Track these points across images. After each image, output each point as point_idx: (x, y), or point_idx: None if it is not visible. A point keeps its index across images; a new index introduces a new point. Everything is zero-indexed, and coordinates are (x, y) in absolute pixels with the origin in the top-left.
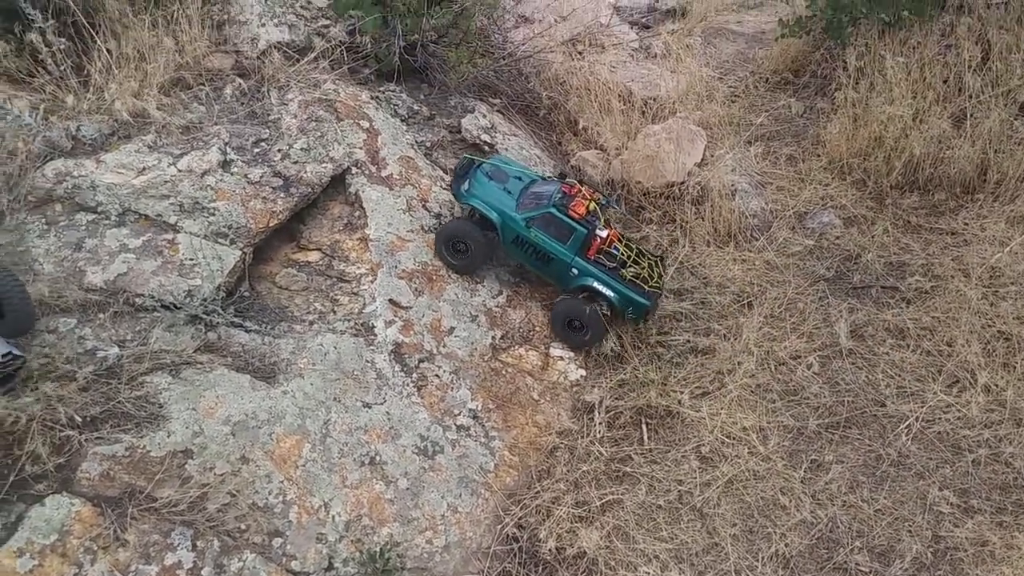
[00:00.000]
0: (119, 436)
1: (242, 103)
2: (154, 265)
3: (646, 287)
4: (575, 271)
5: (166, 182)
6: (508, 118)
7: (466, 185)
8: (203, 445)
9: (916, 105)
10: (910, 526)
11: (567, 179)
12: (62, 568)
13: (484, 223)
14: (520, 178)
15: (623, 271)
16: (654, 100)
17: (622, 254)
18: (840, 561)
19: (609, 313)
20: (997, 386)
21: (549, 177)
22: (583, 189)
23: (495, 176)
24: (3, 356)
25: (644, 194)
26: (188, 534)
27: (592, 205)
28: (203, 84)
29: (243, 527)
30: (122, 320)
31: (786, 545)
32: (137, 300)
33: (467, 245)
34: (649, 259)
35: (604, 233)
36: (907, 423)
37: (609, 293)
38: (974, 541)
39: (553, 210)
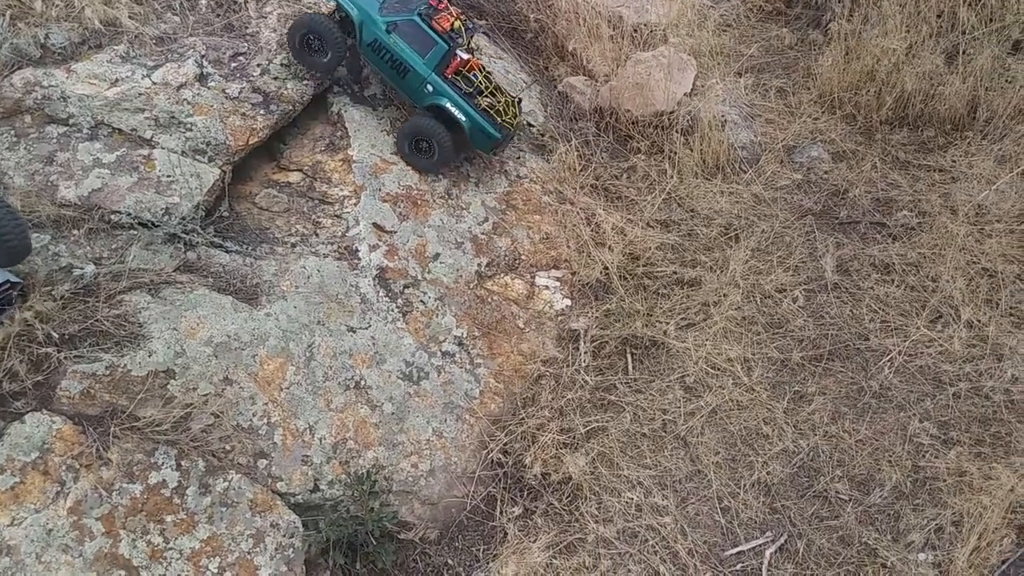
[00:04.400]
0: (98, 355)
1: (218, 14)
2: (130, 181)
3: (499, 120)
4: (430, 87)
5: (140, 95)
6: (494, 40)
7: None
8: (185, 365)
9: (910, 39)
10: (890, 456)
11: None
12: (44, 485)
13: (344, 23)
14: None
15: (478, 99)
16: (644, 26)
17: (480, 83)
18: (821, 489)
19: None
20: (980, 321)
21: None
22: (450, 7)
23: None
24: (1, 284)
25: (633, 123)
26: (172, 453)
27: (457, 23)
28: None
29: (228, 448)
30: (97, 237)
31: (768, 473)
32: (113, 217)
33: (323, 42)
34: (506, 97)
35: (465, 56)
36: (890, 356)
37: (461, 117)
38: (953, 471)
39: (416, 18)
